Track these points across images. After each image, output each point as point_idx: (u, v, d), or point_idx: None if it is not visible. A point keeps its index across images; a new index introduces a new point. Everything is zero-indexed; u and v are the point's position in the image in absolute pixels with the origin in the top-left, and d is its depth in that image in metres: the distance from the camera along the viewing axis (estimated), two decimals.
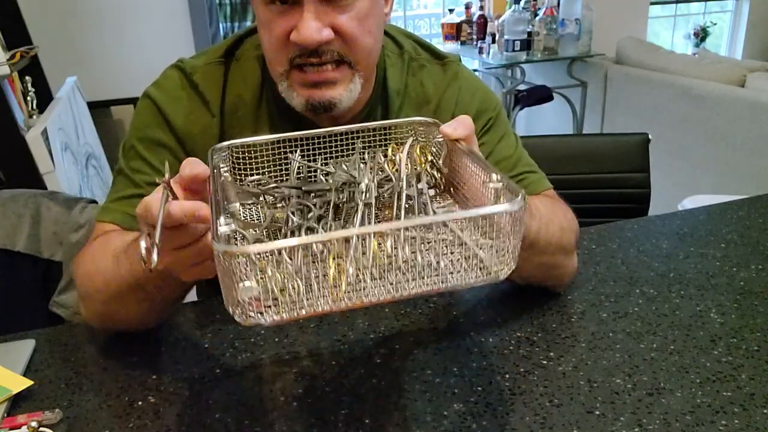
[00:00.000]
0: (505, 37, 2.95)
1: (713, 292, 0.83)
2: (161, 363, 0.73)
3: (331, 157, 0.64)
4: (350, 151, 0.64)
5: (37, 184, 1.70)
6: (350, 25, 0.69)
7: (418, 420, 0.61)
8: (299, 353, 0.73)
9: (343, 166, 0.61)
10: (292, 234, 0.51)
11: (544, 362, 0.69)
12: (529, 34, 3.01)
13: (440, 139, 0.61)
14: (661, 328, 0.75)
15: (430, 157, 0.63)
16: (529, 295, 0.83)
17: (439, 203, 0.60)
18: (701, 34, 4.39)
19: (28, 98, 2.14)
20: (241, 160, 0.63)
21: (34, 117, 2.08)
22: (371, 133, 0.65)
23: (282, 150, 0.64)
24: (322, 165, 0.63)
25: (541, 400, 0.63)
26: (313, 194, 0.57)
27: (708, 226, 1.04)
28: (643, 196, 1.40)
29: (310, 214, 0.53)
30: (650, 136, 1.40)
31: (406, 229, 0.42)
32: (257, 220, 0.58)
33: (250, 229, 0.52)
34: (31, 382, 0.68)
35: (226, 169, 0.60)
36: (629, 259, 0.93)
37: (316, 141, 0.64)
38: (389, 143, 0.66)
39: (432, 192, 0.60)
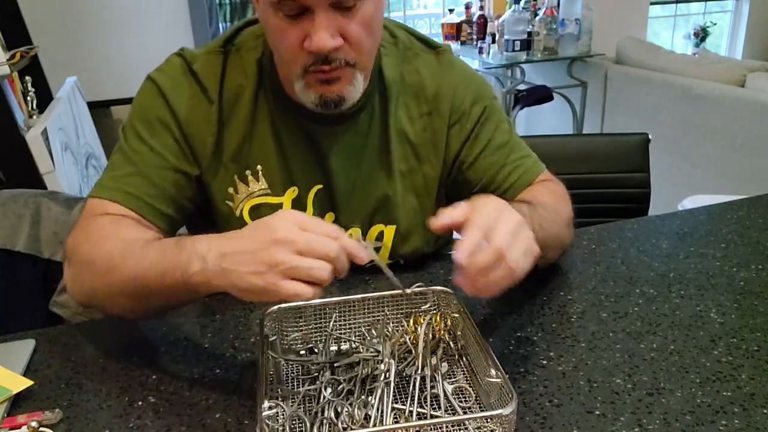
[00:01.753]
0: (505, 37, 2.95)
1: (713, 292, 0.83)
2: (161, 363, 0.73)
3: (364, 311, 0.73)
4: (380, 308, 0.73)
5: (37, 184, 1.70)
6: (357, 30, 0.73)
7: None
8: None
9: (374, 340, 0.69)
10: (322, 411, 0.59)
11: (544, 362, 0.69)
12: (529, 34, 3.01)
13: (456, 315, 0.70)
14: (661, 328, 0.75)
15: (448, 325, 0.71)
16: (530, 295, 0.83)
17: (450, 379, 0.66)
18: (701, 34, 4.39)
19: (28, 98, 2.14)
20: (283, 321, 0.71)
21: (34, 117, 2.08)
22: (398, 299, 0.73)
23: (320, 310, 0.71)
24: (354, 333, 0.72)
25: (541, 400, 0.63)
26: (342, 368, 0.65)
27: (708, 226, 1.04)
28: (643, 196, 1.40)
29: (340, 387, 0.62)
30: (650, 136, 1.40)
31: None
32: (299, 375, 0.68)
33: (289, 402, 0.62)
34: (31, 382, 0.68)
35: (273, 336, 0.68)
36: (629, 259, 0.93)
37: (352, 303, 0.72)
38: (413, 311, 0.73)
39: (446, 366, 0.67)
